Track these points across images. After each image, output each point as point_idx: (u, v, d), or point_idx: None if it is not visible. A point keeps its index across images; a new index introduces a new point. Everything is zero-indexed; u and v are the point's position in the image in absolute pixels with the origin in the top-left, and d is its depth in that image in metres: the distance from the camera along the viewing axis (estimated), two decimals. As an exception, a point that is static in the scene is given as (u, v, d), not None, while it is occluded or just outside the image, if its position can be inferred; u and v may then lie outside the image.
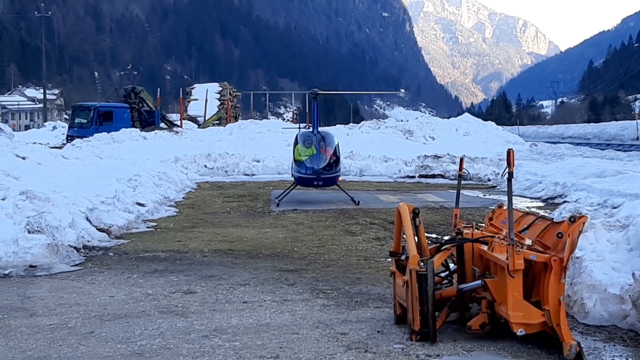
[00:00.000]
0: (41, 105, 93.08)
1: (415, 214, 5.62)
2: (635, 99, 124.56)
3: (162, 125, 45.76)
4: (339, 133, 22.51)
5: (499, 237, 5.46)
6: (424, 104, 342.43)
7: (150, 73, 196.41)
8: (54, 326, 5.85)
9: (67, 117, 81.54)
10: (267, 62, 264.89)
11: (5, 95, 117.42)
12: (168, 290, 7.15)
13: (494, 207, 6.50)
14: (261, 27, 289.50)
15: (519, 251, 4.93)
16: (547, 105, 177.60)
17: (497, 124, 46.26)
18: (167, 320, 6.01)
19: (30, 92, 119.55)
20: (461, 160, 6.81)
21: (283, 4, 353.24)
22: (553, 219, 5.91)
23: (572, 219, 4.96)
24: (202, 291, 7.12)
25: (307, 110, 37.15)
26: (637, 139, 53.53)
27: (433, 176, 23.32)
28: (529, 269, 5.06)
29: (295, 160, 15.42)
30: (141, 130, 35.85)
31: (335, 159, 15.35)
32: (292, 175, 15.84)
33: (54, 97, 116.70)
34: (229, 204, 15.58)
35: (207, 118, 52.72)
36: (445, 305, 5.58)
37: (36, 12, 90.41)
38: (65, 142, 39.29)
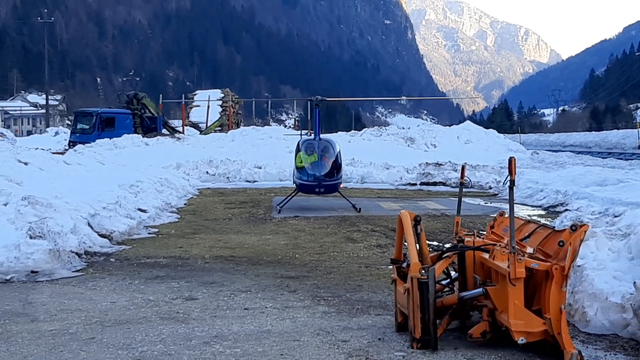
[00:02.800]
0: (43, 110, 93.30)
1: (416, 221, 5.62)
2: (637, 108, 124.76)
3: (164, 131, 45.88)
4: (340, 140, 22.52)
5: (500, 245, 5.46)
6: (425, 112, 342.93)
7: (153, 79, 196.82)
8: (55, 332, 5.85)
9: (69, 122, 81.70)
10: (269, 68, 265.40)
11: (8, 100, 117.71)
12: (169, 297, 7.16)
13: (495, 215, 6.50)
14: (263, 34, 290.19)
15: (520, 259, 4.93)
16: (549, 114, 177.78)
17: (499, 131, 46.33)
18: (168, 326, 6.01)
19: (33, 97, 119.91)
20: (463, 168, 6.82)
21: (285, 11, 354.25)
22: (554, 227, 5.91)
23: (574, 228, 4.96)
24: (203, 297, 7.13)
25: (309, 117, 37.17)
26: (639, 147, 53.51)
27: (434, 184, 23.32)
28: (530, 277, 5.06)
29: (296, 167, 15.43)
30: (143, 137, 35.91)
31: (337, 166, 15.35)
32: (294, 182, 15.85)
33: (56, 102, 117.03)
34: (231, 210, 15.59)
35: (209, 124, 52.84)
36: (447, 313, 5.58)
37: (39, 18, 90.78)
38: (67, 147, 39.35)
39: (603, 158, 37.66)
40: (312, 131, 20.74)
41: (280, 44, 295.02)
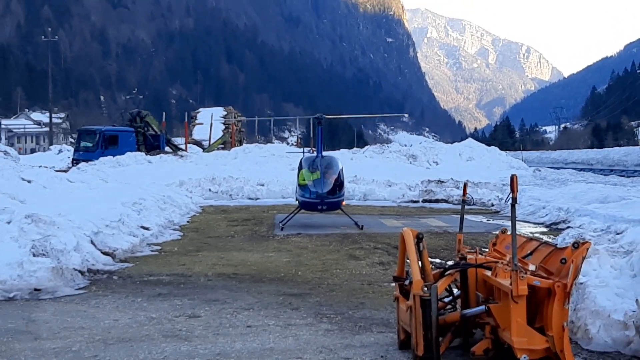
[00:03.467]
0: (47, 128, 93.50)
1: (419, 238, 5.63)
2: (639, 125, 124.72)
3: (167, 149, 45.96)
4: (343, 157, 22.54)
5: (502, 263, 5.46)
6: (427, 129, 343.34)
7: (156, 97, 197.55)
8: (58, 350, 5.85)
9: (72, 140, 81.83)
10: (272, 86, 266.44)
11: (12, 118, 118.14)
12: (172, 314, 7.16)
13: (497, 233, 6.51)
14: (266, 52, 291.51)
15: (522, 277, 4.93)
16: (551, 131, 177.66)
17: (501, 149, 46.34)
18: (171, 344, 6.02)
19: (36, 115, 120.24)
20: (465, 185, 6.83)
21: (288, 29, 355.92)
22: (557, 244, 5.93)
23: (576, 245, 4.97)
24: (206, 315, 7.13)
25: (312, 135, 37.26)
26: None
27: (437, 201, 23.32)
28: (533, 295, 5.06)
29: (299, 185, 15.44)
30: (146, 154, 35.98)
31: (339, 184, 15.36)
32: (296, 200, 15.85)
33: (60, 120, 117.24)
34: (233, 227, 15.60)
35: (212, 142, 52.94)
36: (449, 330, 5.58)
37: (43, 37, 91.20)
38: (70, 165, 39.41)
39: (605, 175, 37.61)
40: (314, 149, 20.75)
41: (283, 62, 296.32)
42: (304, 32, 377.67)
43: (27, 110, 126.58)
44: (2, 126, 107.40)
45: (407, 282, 5.68)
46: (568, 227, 14.12)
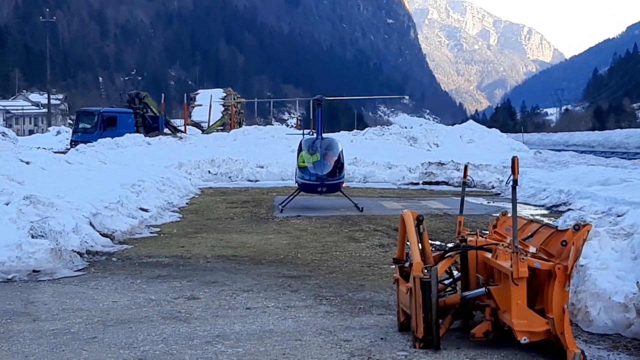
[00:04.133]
0: (45, 110, 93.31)
1: (419, 220, 5.61)
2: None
3: (166, 130, 45.84)
4: (343, 139, 22.47)
5: (503, 245, 5.45)
6: (428, 111, 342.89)
7: (155, 78, 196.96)
8: (57, 331, 5.84)
9: (71, 122, 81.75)
10: (271, 68, 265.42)
11: (10, 100, 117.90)
12: (171, 296, 7.15)
13: (498, 215, 6.49)
14: (266, 33, 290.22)
15: (523, 259, 4.92)
16: (552, 113, 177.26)
17: (502, 131, 46.06)
18: (170, 326, 6.01)
19: (35, 96, 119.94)
20: (465, 167, 6.79)
21: (288, 10, 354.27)
22: (557, 226, 5.90)
23: (577, 227, 4.95)
24: (205, 297, 7.12)
25: (311, 117, 37.16)
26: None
27: (437, 183, 23.29)
28: (533, 277, 5.05)
29: (299, 167, 15.41)
30: (145, 136, 35.86)
31: (339, 166, 15.33)
32: (296, 182, 15.84)
33: (58, 102, 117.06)
34: (233, 209, 15.58)
35: (211, 124, 52.84)
36: (449, 312, 5.57)
37: (41, 17, 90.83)
38: (69, 147, 39.33)
39: (606, 157, 37.54)
40: (314, 130, 20.68)
41: (283, 43, 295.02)
42: (303, 13, 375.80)
43: (25, 91, 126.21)
44: (0, 107, 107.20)
45: (407, 264, 5.66)
46: (569, 209, 14.09)
